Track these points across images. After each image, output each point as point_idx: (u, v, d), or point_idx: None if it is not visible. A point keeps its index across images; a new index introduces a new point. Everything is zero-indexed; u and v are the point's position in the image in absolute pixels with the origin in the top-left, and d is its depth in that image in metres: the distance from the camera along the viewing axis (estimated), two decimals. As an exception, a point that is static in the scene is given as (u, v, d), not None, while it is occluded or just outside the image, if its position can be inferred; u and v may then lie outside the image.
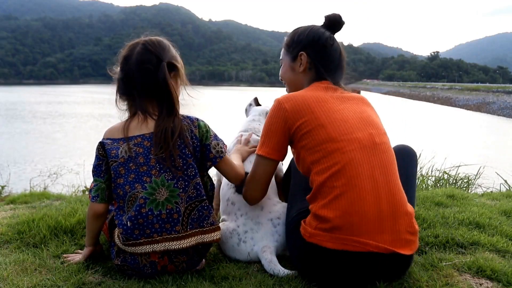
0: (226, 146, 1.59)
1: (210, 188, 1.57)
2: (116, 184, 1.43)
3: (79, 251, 1.67)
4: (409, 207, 1.38)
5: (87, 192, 3.49)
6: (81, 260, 1.55)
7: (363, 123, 1.41)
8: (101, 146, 1.47)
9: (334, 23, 1.57)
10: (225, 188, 1.78)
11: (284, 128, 1.43)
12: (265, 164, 1.50)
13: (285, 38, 1.65)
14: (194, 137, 1.47)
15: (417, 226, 1.39)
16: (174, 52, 1.54)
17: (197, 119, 1.52)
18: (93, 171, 1.49)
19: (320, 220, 1.32)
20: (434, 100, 53.35)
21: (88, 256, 1.58)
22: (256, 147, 1.85)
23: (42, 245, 1.73)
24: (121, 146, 1.44)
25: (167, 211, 1.41)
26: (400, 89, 75.88)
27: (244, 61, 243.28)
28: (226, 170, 1.60)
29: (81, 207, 2.18)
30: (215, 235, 1.50)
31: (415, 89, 71.37)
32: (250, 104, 2.20)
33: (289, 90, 1.64)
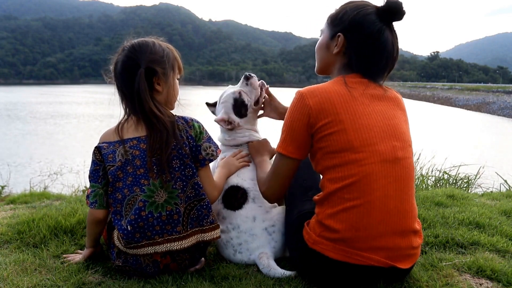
0: (219, 151, 1.55)
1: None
2: (115, 188, 1.42)
3: (79, 251, 1.67)
4: (418, 223, 1.35)
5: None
6: (81, 261, 1.55)
7: (389, 132, 1.30)
8: (98, 150, 1.45)
9: (392, 12, 1.33)
10: (216, 202, 1.69)
11: (307, 126, 1.32)
12: (288, 163, 1.39)
13: (335, 9, 1.45)
14: (190, 137, 1.46)
15: (421, 240, 1.36)
16: (158, 54, 1.46)
17: (192, 120, 1.50)
18: (89, 177, 1.48)
19: (325, 228, 1.30)
20: (434, 100, 53.37)
21: (88, 256, 1.58)
22: (245, 159, 1.76)
23: (42, 245, 1.73)
24: (117, 149, 1.42)
25: (167, 212, 1.41)
26: (400, 89, 75.65)
27: (244, 61, 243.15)
28: (204, 178, 1.50)
29: (81, 207, 2.18)
30: (215, 233, 1.50)
31: (415, 89, 71.37)
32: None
33: (317, 66, 1.52)
